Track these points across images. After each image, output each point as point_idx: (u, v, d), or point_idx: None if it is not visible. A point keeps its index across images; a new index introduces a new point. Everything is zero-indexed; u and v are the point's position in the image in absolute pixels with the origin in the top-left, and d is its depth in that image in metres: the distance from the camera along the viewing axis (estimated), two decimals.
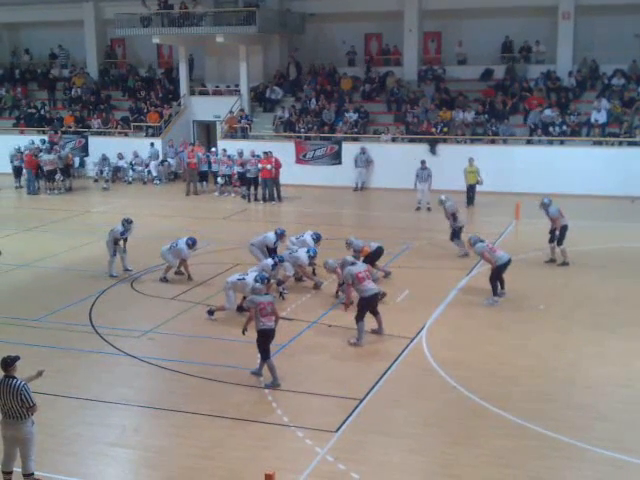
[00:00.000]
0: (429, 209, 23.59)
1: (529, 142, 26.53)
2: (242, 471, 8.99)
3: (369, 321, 13.06)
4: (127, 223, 16.69)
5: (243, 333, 11.71)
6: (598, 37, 28.62)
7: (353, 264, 13.62)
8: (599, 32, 28.52)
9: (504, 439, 9.66)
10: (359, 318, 12.85)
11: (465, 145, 27.13)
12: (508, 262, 14.86)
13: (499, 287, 14.95)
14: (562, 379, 11.47)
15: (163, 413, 10.54)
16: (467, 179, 23.89)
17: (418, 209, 23.76)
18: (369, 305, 12.97)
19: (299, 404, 10.76)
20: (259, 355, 11.53)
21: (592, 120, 26.24)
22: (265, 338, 11.32)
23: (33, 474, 8.39)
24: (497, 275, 14.83)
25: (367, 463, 9.16)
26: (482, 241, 15.11)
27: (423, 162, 24.04)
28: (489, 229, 21.01)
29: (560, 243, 17.16)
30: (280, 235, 16.42)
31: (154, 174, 29.09)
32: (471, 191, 24.06)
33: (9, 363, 8.50)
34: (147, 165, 29.32)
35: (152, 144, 29.51)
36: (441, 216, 22.78)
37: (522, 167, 25.55)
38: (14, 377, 8.44)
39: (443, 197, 18.81)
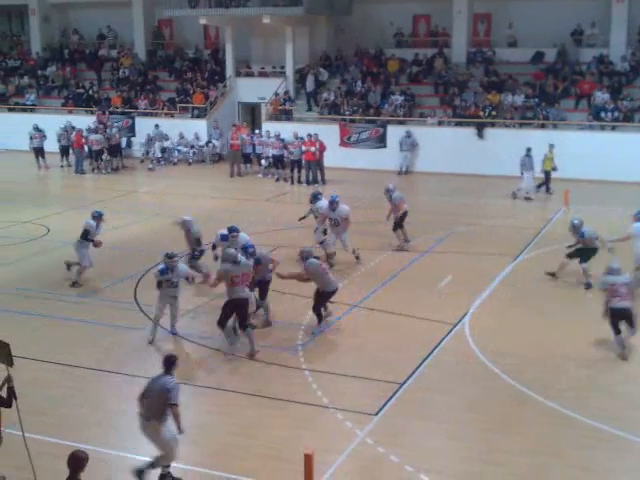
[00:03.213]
0: (528, 199, 22.55)
1: (591, 127, 25.81)
2: (282, 450, 9.02)
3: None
4: (168, 258, 12.35)
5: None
6: None
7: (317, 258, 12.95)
8: None
9: (547, 427, 9.50)
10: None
11: (514, 129, 26.68)
12: (334, 291, 12.69)
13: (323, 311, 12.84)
14: (608, 369, 11.25)
15: (205, 391, 10.63)
16: (544, 165, 23.03)
17: (514, 196, 22.71)
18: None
19: (339, 386, 10.73)
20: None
21: None
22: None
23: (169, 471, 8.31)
24: (322, 301, 12.63)
25: (407, 447, 9.11)
26: (317, 258, 13.01)
27: (529, 150, 22.96)
28: (537, 216, 20.71)
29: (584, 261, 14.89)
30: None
31: (158, 155, 29.02)
32: (547, 177, 23.07)
33: (173, 362, 8.33)
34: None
35: (157, 125, 29.49)
36: (486, 201, 22.48)
37: (573, 152, 25.00)
38: (171, 375, 8.28)
39: (187, 218, 15.54)
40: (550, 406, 10.03)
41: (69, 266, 15.51)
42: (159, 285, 12.21)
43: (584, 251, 14.73)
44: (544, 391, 10.40)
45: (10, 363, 8.15)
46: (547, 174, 23.19)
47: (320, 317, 12.64)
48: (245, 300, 11.65)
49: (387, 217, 17.35)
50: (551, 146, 23.12)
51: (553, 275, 15.09)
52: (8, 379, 7.95)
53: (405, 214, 17.09)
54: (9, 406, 7.94)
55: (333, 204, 15.89)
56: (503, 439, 9.28)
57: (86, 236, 15.13)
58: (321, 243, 16.30)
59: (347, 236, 16.10)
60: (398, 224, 17.14)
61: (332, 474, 8.53)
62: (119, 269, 16.06)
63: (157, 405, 8.10)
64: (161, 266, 12.31)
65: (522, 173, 22.87)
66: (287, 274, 12.86)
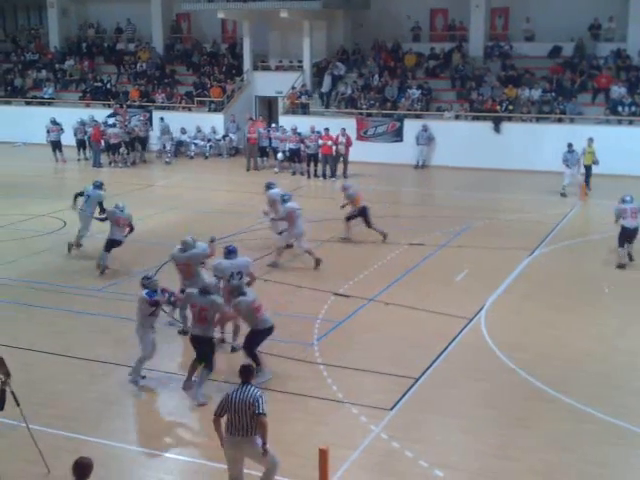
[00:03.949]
0: (563, 194, 22.23)
1: (608, 121, 25.54)
2: (296, 445, 9.02)
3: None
4: (146, 279, 10.68)
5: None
6: None
7: (243, 294, 10.70)
8: None
9: (563, 423, 9.46)
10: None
11: (531, 124, 26.54)
12: (270, 329, 10.81)
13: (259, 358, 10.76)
14: (625, 364, 11.18)
15: (220, 385, 10.61)
16: (585, 160, 22.60)
17: (563, 194, 22.31)
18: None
19: (354, 381, 10.73)
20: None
21: None
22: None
23: None
24: (257, 341, 10.79)
25: (422, 442, 9.09)
26: (244, 294, 10.66)
27: (570, 145, 22.55)
28: (554, 210, 20.58)
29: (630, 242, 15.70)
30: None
31: (167, 148, 29.01)
32: (587, 172, 22.60)
33: (252, 371, 7.91)
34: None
35: (162, 119, 29.56)
36: (502, 196, 22.31)
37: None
38: (250, 384, 7.73)
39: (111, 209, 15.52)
40: (566, 402, 9.98)
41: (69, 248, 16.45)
42: (156, 308, 10.44)
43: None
44: (560, 386, 10.35)
45: (7, 375, 8.17)
46: (588, 168, 22.69)
47: (257, 358, 10.58)
48: (202, 338, 10.30)
49: (341, 206, 17.84)
50: (590, 140, 22.68)
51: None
52: (3, 382, 7.94)
53: (364, 209, 17.24)
54: (1, 409, 7.85)
55: (282, 199, 16.17)
56: (518, 435, 9.25)
57: (102, 206, 15.76)
58: (280, 233, 16.46)
59: (293, 235, 15.79)
60: (351, 217, 17.44)
61: (347, 469, 8.53)
62: (135, 262, 16.13)
63: (252, 418, 7.51)
64: (145, 291, 10.37)
65: (566, 169, 22.38)
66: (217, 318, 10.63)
